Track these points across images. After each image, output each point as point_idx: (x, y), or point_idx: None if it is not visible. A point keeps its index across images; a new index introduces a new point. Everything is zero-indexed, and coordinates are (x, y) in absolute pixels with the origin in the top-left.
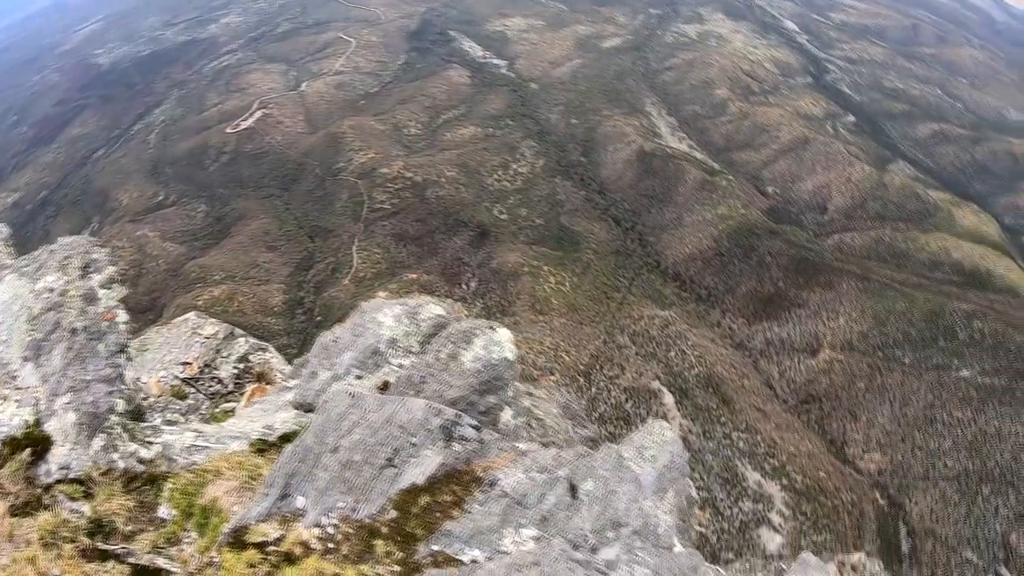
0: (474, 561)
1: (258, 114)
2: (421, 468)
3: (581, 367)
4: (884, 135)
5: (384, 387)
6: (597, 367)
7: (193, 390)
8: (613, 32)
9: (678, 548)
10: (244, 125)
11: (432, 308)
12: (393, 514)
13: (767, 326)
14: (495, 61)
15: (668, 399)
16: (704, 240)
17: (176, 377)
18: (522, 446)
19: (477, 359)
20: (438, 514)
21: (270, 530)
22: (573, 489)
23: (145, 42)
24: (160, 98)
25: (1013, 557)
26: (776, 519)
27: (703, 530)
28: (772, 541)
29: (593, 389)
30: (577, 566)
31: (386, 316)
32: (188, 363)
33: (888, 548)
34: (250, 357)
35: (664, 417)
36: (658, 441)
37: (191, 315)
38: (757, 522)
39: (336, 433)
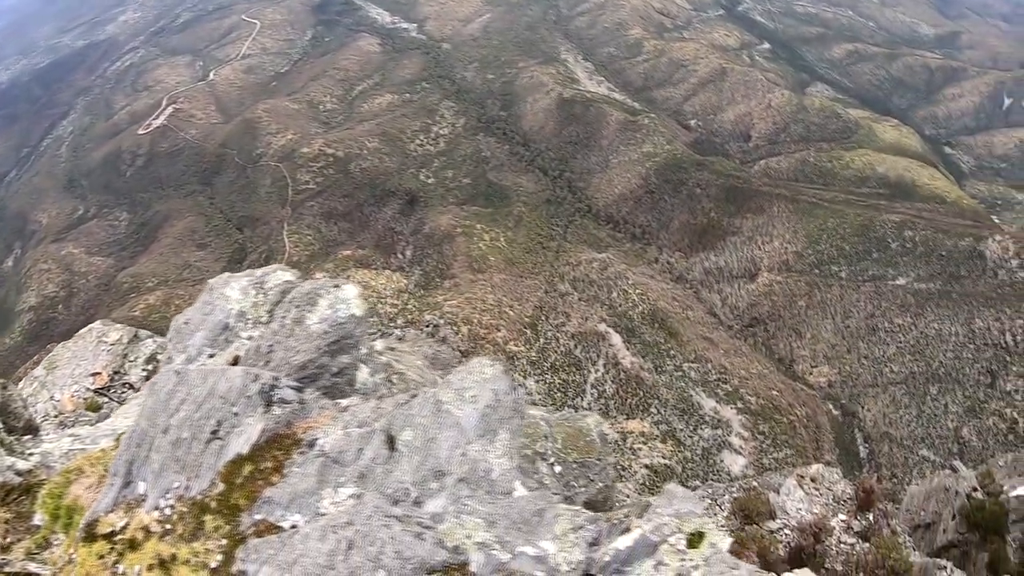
0: (294, 526)
1: (169, 110)
2: (244, 437)
3: (526, 319)
4: (800, 59)
5: (235, 362)
6: (542, 317)
7: (107, 399)
8: None
9: (520, 492)
10: (156, 124)
11: (279, 274)
12: (221, 487)
13: (704, 256)
14: (404, 25)
15: (616, 339)
16: (633, 180)
17: (87, 389)
18: (344, 402)
19: (323, 320)
20: (260, 482)
21: (116, 519)
22: (391, 441)
23: (43, 52)
24: (66, 108)
25: (966, 450)
26: (736, 442)
27: (666, 462)
28: (735, 463)
29: (541, 340)
30: (394, 521)
31: (233, 290)
32: (97, 373)
33: (847, 455)
34: (158, 356)
35: (614, 357)
36: (479, 380)
37: (96, 324)
38: (719, 447)
39: (166, 413)
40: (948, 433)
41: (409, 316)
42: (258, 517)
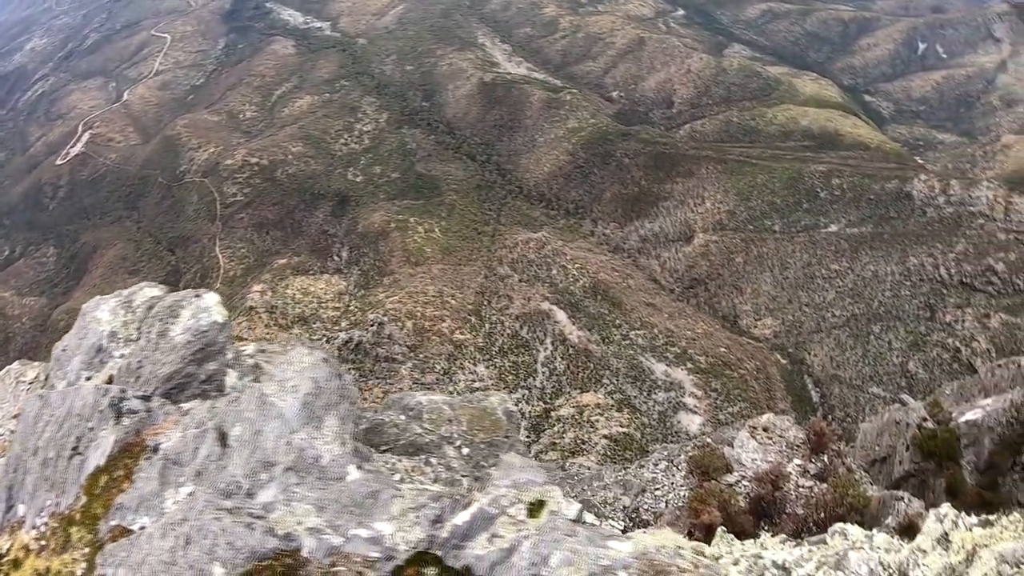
0: (142, 528)
1: (85, 137)
2: (101, 449)
3: (469, 307)
4: (716, 23)
5: (109, 381)
6: (485, 303)
7: None
8: None
9: (354, 476)
10: (74, 152)
11: (146, 291)
12: (84, 500)
13: (639, 225)
14: (318, 24)
15: (561, 316)
16: (560, 156)
17: (11, 432)
18: (186, 406)
19: (186, 330)
20: (114, 490)
21: (2, 543)
22: (223, 437)
23: None
24: None
25: (914, 383)
26: (691, 402)
27: (625, 430)
28: (692, 423)
29: (487, 325)
30: (225, 513)
31: (103, 312)
32: (19, 414)
33: (800, 401)
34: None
35: (561, 333)
36: (298, 370)
37: (13, 365)
38: (674, 409)
39: (34, 436)
40: (895, 369)
41: (352, 318)
42: (113, 523)
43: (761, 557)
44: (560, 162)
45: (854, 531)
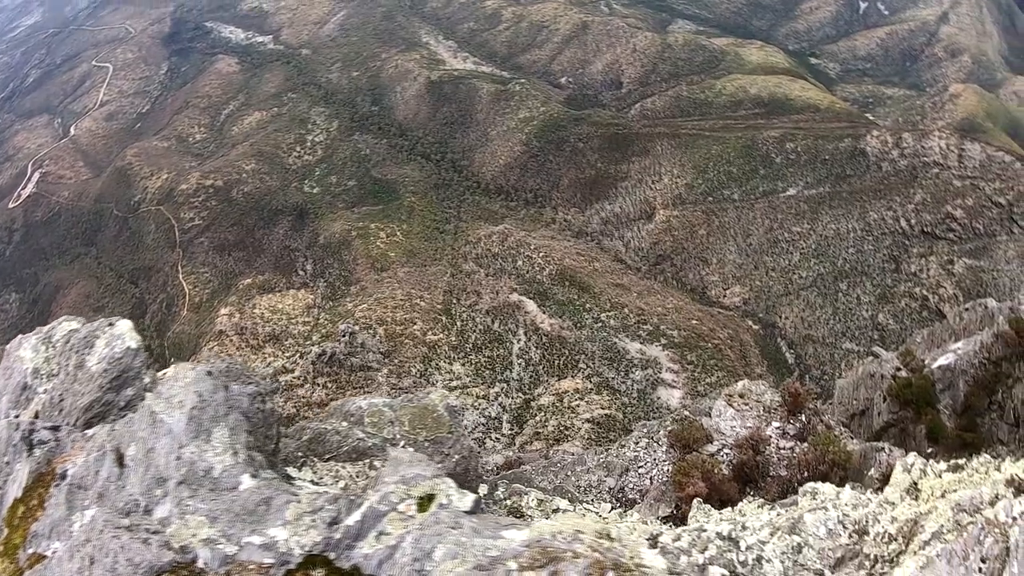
0: (55, 552)
1: (36, 177)
2: (18, 482)
3: (439, 307)
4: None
5: (36, 417)
6: (454, 301)
7: None
8: None
9: (247, 484)
10: (26, 194)
11: (64, 325)
12: (5, 531)
13: (599, 207)
14: (260, 39)
15: (531, 306)
16: (515, 147)
17: None
18: (90, 431)
19: (102, 359)
20: (29, 519)
21: None
22: (121, 458)
23: None
24: None
25: (886, 334)
26: (668, 376)
27: (607, 412)
28: (672, 397)
29: (458, 323)
30: (124, 531)
31: (26, 350)
32: None
33: (775, 364)
34: None
35: (533, 323)
36: (183, 385)
37: None
38: (653, 385)
39: None
40: (866, 323)
41: (323, 330)
42: (31, 551)
43: (704, 530)
44: (515, 153)
45: (825, 488)
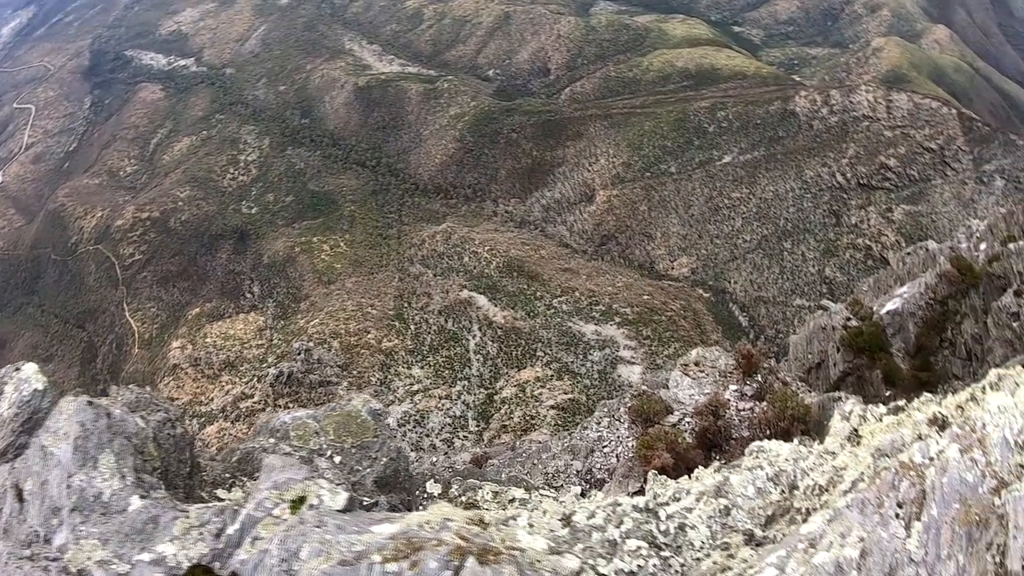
0: None
1: None
2: None
3: (391, 313)
4: None
5: None
6: (405, 305)
7: None
8: None
9: (135, 505)
10: None
11: None
12: None
13: (539, 195)
14: (182, 62)
15: (482, 300)
16: (449, 145)
17: None
18: None
19: (12, 404)
20: None
21: None
22: (20, 493)
23: None
24: None
25: (835, 287)
26: (626, 354)
27: (570, 396)
28: (633, 373)
29: (412, 327)
30: (26, 562)
31: None
32: None
33: (730, 329)
34: None
35: (487, 318)
36: (66, 416)
37: None
38: (612, 364)
39: None
40: (813, 278)
41: (278, 351)
42: None
43: (619, 504)
44: (450, 150)
45: (770, 445)
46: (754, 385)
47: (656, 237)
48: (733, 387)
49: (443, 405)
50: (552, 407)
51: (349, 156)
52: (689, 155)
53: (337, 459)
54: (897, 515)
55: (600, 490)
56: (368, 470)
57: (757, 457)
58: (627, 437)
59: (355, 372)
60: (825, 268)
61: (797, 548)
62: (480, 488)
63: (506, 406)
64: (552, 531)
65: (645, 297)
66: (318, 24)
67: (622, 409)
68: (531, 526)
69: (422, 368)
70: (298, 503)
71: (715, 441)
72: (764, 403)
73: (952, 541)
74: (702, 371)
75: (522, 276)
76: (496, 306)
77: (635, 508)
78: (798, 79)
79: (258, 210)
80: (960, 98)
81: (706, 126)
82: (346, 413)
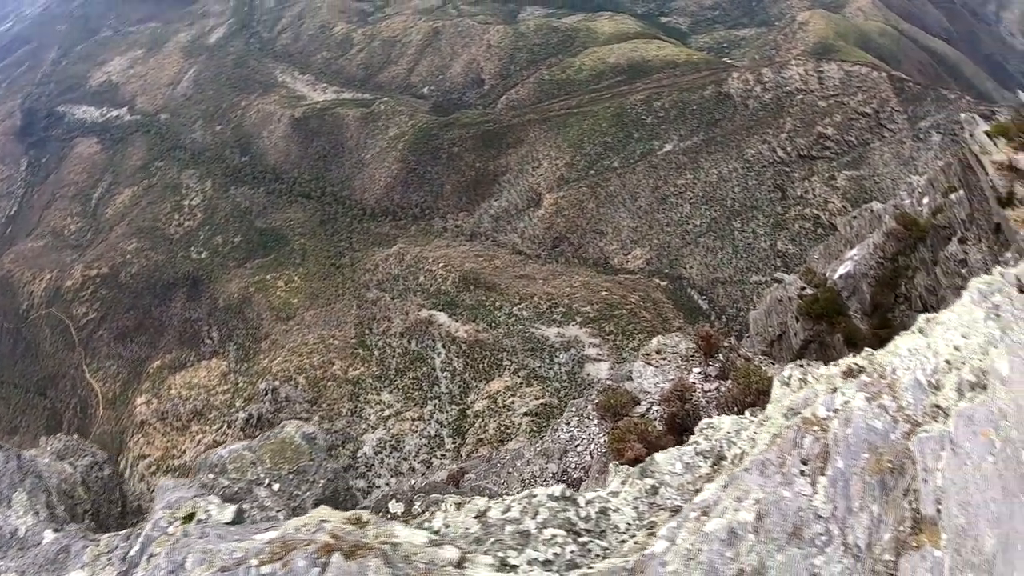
0: None
1: None
2: None
3: (353, 341)
4: None
5: None
6: (367, 331)
7: None
8: (214, 23)
9: (48, 538)
10: None
11: None
12: None
13: (487, 206)
14: (116, 113)
15: (443, 317)
16: (391, 166)
17: None
18: None
19: None
20: None
21: None
22: None
23: None
24: None
25: (788, 259)
26: (592, 351)
27: (542, 401)
28: (601, 370)
29: (376, 352)
30: None
31: None
32: None
33: (692, 313)
34: None
35: (449, 334)
36: None
37: None
38: (579, 364)
39: None
40: (767, 253)
41: (244, 394)
42: None
43: (535, 496)
44: (393, 172)
45: (717, 420)
46: (717, 365)
47: (607, 233)
48: (696, 370)
49: (417, 427)
50: (525, 414)
51: (293, 189)
52: (630, 148)
53: (276, 487)
54: (802, 472)
55: (578, 490)
56: (307, 494)
57: (703, 433)
58: (598, 433)
59: (324, 405)
60: (777, 242)
61: (689, 517)
62: (443, 502)
63: (480, 419)
64: (466, 528)
65: (603, 293)
66: (248, 60)
67: (590, 406)
68: (447, 526)
69: (391, 392)
70: (188, 519)
71: (685, 425)
72: (729, 381)
73: (864, 492)
74: (664, 358)
75: (479, 288)
76: (457, 321)
77: (551, 497)
78: (729, 62)
79: (208, 254)
80: (888, 61)
81: (644, 118)
82: (280, 440)
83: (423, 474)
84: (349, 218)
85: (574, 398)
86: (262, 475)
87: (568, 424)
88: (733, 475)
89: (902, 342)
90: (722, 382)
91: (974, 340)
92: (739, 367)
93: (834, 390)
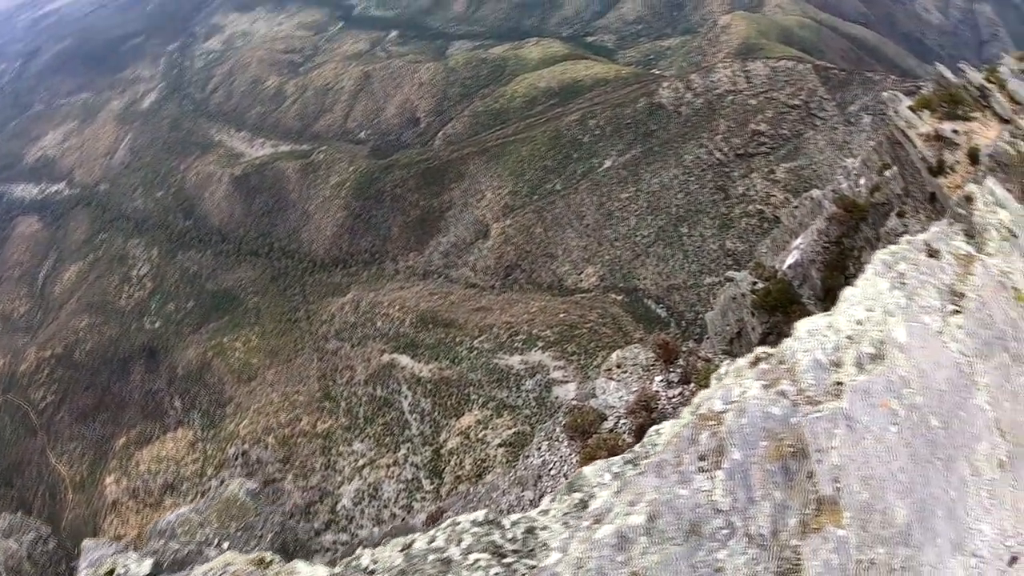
0: None
1: None
2: None
3: (318, 394)
4: (428, 30)
5: None
6: (331, 383)
7: None
8: (146, 88)
9: None
10: None
11: None
12: None
13: (436, 243)
14: (55, 188)
15: (405, 360)
16: (336, 215)
17: None
18: None
19: None
20: None
21: None
22: None
23: None
24: None
25: (739, 256)
26: (558, 374)
27: (515, 430)
28: (568, 392)
29: (342, 403)
30: None
31: None
32: None
33: (651, 323)
34: None
35: (413, 375)
36: None
37: None
38: (547, 388)
39: None
40: (717, 254)
41: (214, 461)
42: None
43: (458, 523)
44: (339, 220)
45: (663, 426)
46: (678, 370)
47: (558, 255)
48: (659, 378)
49: (393, 472)
50: (500, 445)
51: (241, 248)
52: (571, 169)
53: (225, 545)
54: (701, 469)
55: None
56: (256, 549)
57: (648, 440)
58: (570, 455)
59: (297, 463)
60: (725, 242)
61: (581, 527)
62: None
63: (455, 457)
64: (391, 562)
65: (561, 315)
66: (183, 122)
67: (558, 429)
68: (374, 562)
69: (362, 441)
70: (108, 575)
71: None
72: (691, 384)
73: (765, 480)
74: (625, 371)
75: (438, 326)
76: (419, 362)
77: (474, 523)
78: (658, 72)
79: (162, 323)
80: (812, 52)
81: (580, 138)
82: (225, 500)
83: (403, 519)
84: (300, 271)
85: (544, 423)
86: (211, 535)
87: (539, 449)
88: (626, 480)
89: (801, 324)
90: (685, 386)
91: (878, 312)
92: (700, 369)
93: (744, 388)
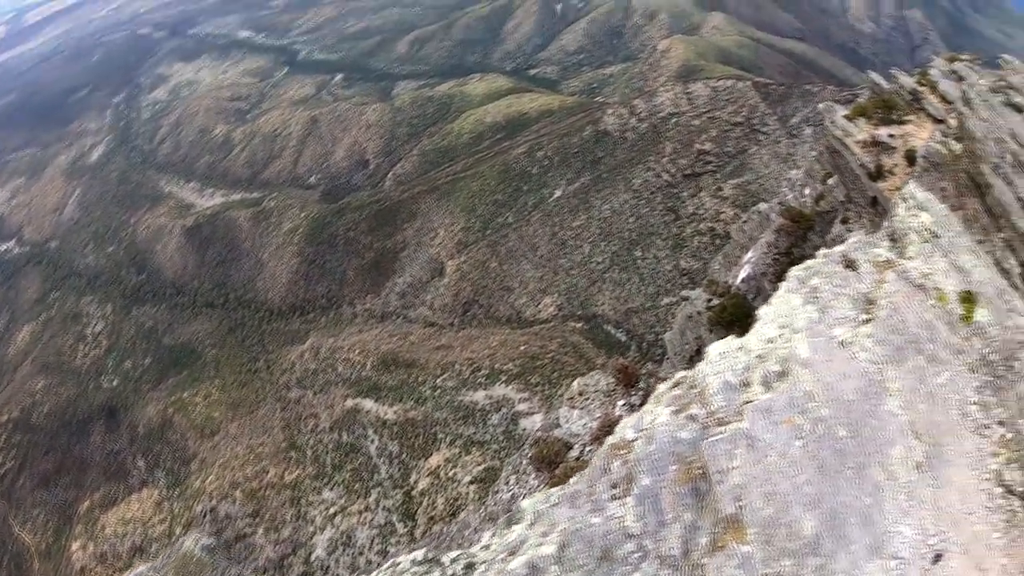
0: None
1: None
2: None
3: (283, 444)
4: (373, 72)
5: None
6: (296, 431)
7: None
8: (92, 141)
9: None
10: None
11: None
12: None
13: (392, 284)
14: (4, 246)
15: (369, 404)
16: (290, 261)
17: None
18: None
19: None
20: None
21: None
22: None
23: None
24: None
25: (694, 274)
26: (523, 407)
27: (484, 466)
28: (535, 423)
29: (308, 452)
30: None
31: None
32: None
33: (612, 348)
34: None
35: (379, 418)
36: None
37: None
38: (513, 421)
39: None
40: (672, 274)
41: (181, 519)
42: None
43: (399, 563)
44: (293, 267)
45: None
46: (640, 393)
47: (515, 288)
48: (621, 402)
49: (365, 518)
50: (471, 482)
51: (196, 300)
52: (521, 201)
53: None
54: (614, 497)
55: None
56: None
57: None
58: (538, 486)
59: (267, 516)
60: (679, 261)
61: (496, 560)
62: None
63: (427, 497)
64: None
65: (522, 347)
66: (131, 175)
67: (524, 462)
68: None
69: (332, 489)
70: None
71: None
72: None
73: (676, 503)
74: (587, 399)
75: (399, 367)
76: (384, 404)
77: (414, 563)
78: (602, 100)
79: (119, 381)
80: (751, 69)
81: (529, 169)
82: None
83: (378, 564)
84: (257, 320)
85: (512, 456)
86: None
87: (507, 484)
88: (539, 512)
89: (713, 347)
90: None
91: (787, 329)
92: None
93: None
